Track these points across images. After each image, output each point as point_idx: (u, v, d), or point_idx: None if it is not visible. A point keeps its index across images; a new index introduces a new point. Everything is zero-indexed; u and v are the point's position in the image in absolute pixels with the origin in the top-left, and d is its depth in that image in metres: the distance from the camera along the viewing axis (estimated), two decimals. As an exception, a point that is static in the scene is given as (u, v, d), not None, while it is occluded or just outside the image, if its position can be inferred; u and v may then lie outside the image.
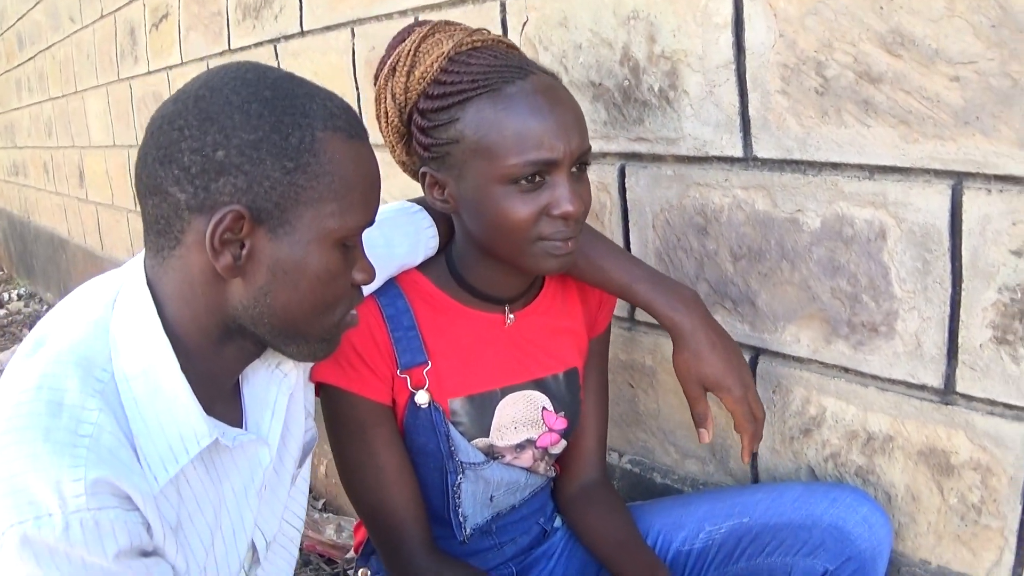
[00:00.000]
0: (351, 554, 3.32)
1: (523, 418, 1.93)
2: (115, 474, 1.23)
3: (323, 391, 1.82)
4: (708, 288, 2.13)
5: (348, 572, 3.35)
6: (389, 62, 1.73)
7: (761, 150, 1.95)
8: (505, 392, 1.90)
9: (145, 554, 1.30)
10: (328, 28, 3.23)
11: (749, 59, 1.91)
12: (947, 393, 1.77)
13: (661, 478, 2.38)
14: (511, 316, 1.90)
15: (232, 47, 3.96)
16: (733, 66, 1.94)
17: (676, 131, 2.10)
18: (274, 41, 3.61)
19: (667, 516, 2.08)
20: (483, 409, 1.88)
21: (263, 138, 1.31)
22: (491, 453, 1.91)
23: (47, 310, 8.16)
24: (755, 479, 2.18)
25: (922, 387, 1.80)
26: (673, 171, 2.14)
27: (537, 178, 1.64)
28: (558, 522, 2.15)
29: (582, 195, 1.69)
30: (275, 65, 3.49)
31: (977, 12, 1.54)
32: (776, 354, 2.05)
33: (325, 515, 3.61)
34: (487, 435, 1.89)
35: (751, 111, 1.94)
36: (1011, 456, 1.70)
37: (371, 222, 1.46)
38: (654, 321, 1.93)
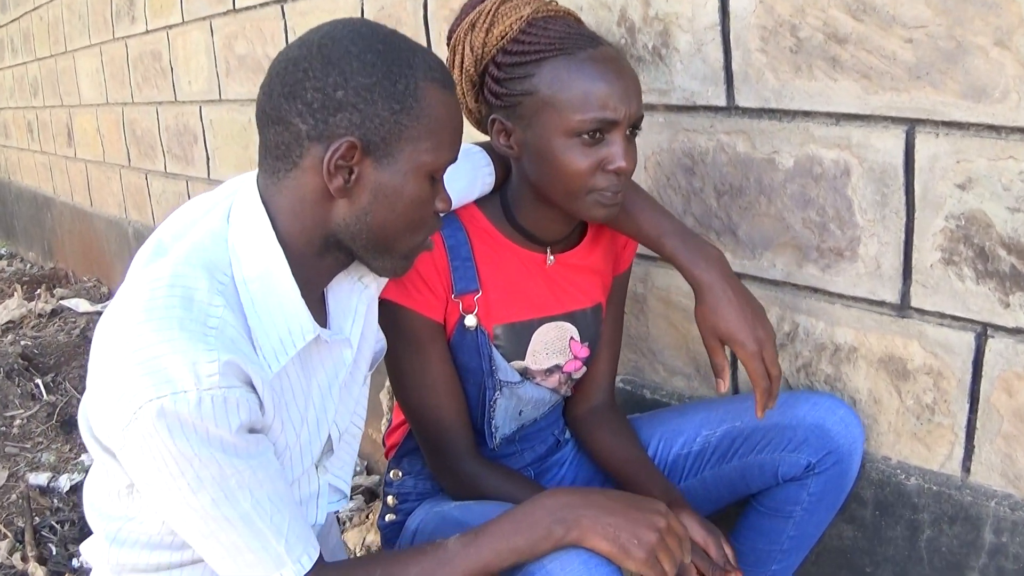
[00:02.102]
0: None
1: (554, 346, 2.03)
2: (241, 358, 1.36)
3: (384, 307, 1.87)
4: (694, 221, 2.25)
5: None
6: (469, 19, 1.82)
7: (742, 100, 2.07)
8: (541, 322, 2.00)
9: (253, 431, 1.43)
10: None
11: (733, 21, 2.03)
12: (903, 308, 1.90)
13: (651, 394, 2.50)
14: (551, 258, 1.99)
15: (237, 7, 3.97)
16: (719, 27, 2.06)
17: (667, 84, 2.21)
18: (281, 1, 3.64)
19: (667, 424, 2.18)
20: (521, 336, 1.99)
21: (376, 83, 1.43)
22: (525, 374, 2.02)
23: (31, 268, 8.11)
24: (735, 390, 2.29)
25: (881, 303, 1.94)
26: (664, 119, 2.25)
27: (597, 135, 1.73)
28: (568, 434, 2.26)
29: (633, 155, 1.78)
30: (282, 25, 3.51)
31: None
32: (755, 278, 2.16)
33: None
34: (523, 359, 2.00)
35: (734, 66, 2.06)
36: (959, 361, 1.83)
37: (455, 159, 1.57)
38: (645, 252, 2.05)
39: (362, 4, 3.19)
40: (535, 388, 2.06)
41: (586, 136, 1.74)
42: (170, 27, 4.64)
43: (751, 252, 2.17)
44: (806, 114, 1.96)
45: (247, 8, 3.91)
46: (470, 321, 1.94)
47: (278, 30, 3.69)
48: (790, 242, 2.07)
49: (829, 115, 1.92)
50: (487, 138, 1.90)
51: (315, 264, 1.57)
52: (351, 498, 3.41)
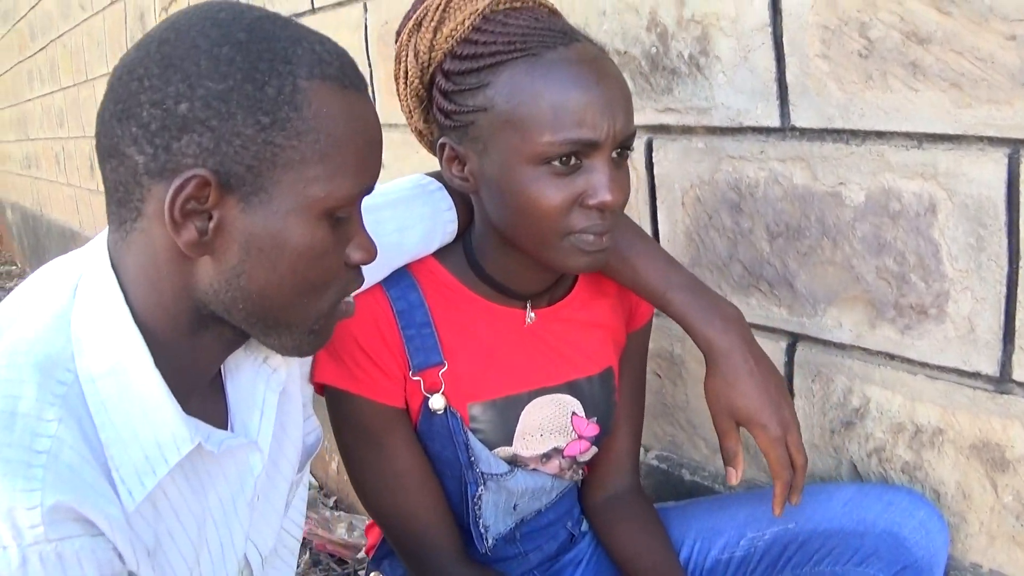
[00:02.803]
0: (362, 554, 3.28)
1: (551, 424, 1.82)
2: (77, 497, 1.12)
3: (327, 392, 1.71)
4: (742, 269, 2.08)
5: (359, 572, 3.31)
6: (415, 16, 1.58)
7: (800, 119, 1.88)
8: (532, 396, 1.79)
9: None
10: (340, 3, 3.21)
11: (786, 21, 1.85)
12: (1002, 381, 1.70)
13: (690, 475, 2.33)
14: (531, 315, 1.78)
15: None
16: (769, 29, 1.88)
17: (707, 100, 2.05)
18: None
19: (704, 521, 1.99)
20: (506, 415, 1.77)
21: (233, 87, 1.14)
22: (515, 462, 1.81)
23: None
24: None
25: (975, 375, 1.73)
26: (704, 143, 2.09)
27: (573, 160, 1.50)
28: (586, 526, 2.07)
29: (622, 184, 1.56)
30: None
31: None
32: (815, 340, 1.99)
33: (336, 513, 3.58)
34: (510, 443, 1.78)
35: (789, 77, 1.88)
36: None
37: (368, 189, 1.30)
38: None
39: (365, 20, 3.09)
40: (530, 476, 1.84)
41: (558, 163, 1.49)
42: None
43: (811, 308, 1.97)
44: (880, 135, 1.76)
45: None
46: (436, 403, 1.71)
47: None
48: (860, 296, 1.87)
49: (909, 136, 1.72)
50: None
51: (189, 346, 1.29)
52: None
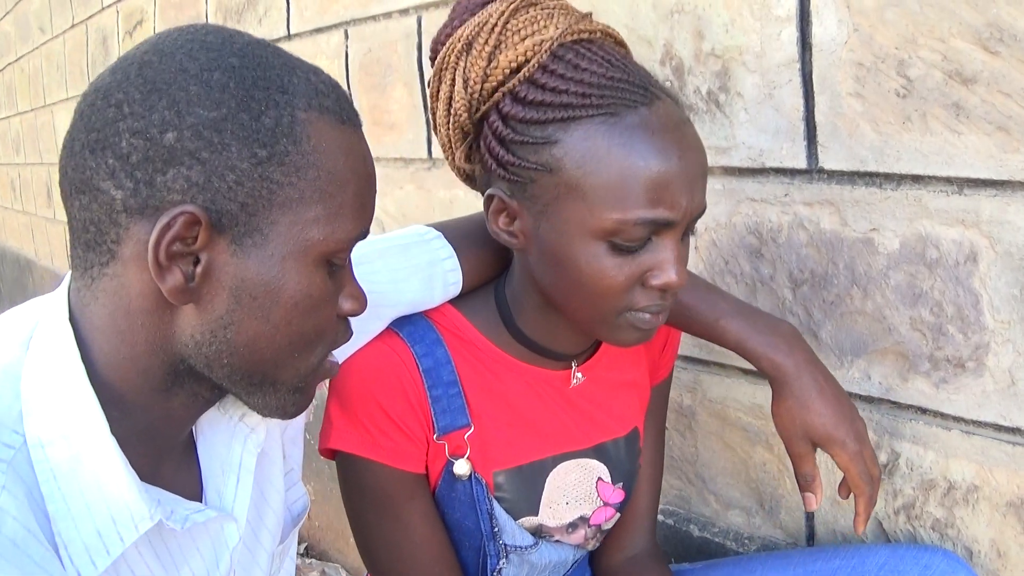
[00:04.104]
0: None
1: (575, 492, 1.71)
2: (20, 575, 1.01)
3: (340, 459, 1.59)
4: None
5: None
6: (465, 34, 1.43)
7: (829, 161, 1.82)
8: (557, 461, 1.68)
9: None
10: (318, 30, 3.17)
11: (816, 57, 1.79)
12: None
13: (699, 531, 2.24)
14: (579, 375, 1.67)
15: None
16: (797, 65, 1.83)
17: (727, 139, 1.98)
18: None
19: None
20: (532, 483, 1.67)
21: (227, 116, 1.05)
22: (539, 533, 1.71)
23: None
24: (811, 535, 2.05)
25: (1014, 430, 1.67)
26: (722, 185, 2.02)
27: (642, 238, 1.40)
28: None
29: (686, 260, 1.47)
30: None
31: None
32: None
33: (308, 561, 3.52)
34: (536, 513, 1.68)
35: (818, 116, 1.82)
36: None
37: (365, 233, 1.21)
38: (694, 355, 1.82)
39: (346, 48, 3.06)
40: (554, 550, 1.73)
41: (626, 241, 1.38)
42: None
43: (838, 359, 1.89)
44: (917, 179, 1.71)
45: None
46: (461, 468, 1.59)
47: None
48: (892, 348, 1.81)
49: (949, 180, 1.66)
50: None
51: (160, 406, 1.17)
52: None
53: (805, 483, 1.63)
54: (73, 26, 5.54)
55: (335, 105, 1.14)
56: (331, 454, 1.58)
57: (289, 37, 3.27)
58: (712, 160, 1.96)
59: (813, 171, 1.85)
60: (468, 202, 2.55)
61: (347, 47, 3.03)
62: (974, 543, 1.76)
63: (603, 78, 1.37)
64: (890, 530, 1.89)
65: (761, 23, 1.85)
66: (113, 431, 1.09)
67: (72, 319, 1.12)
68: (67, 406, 1.08)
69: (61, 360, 1.10)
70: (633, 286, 1.40)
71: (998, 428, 1.69)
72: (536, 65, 1.38)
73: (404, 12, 2.69)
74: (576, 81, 1.37)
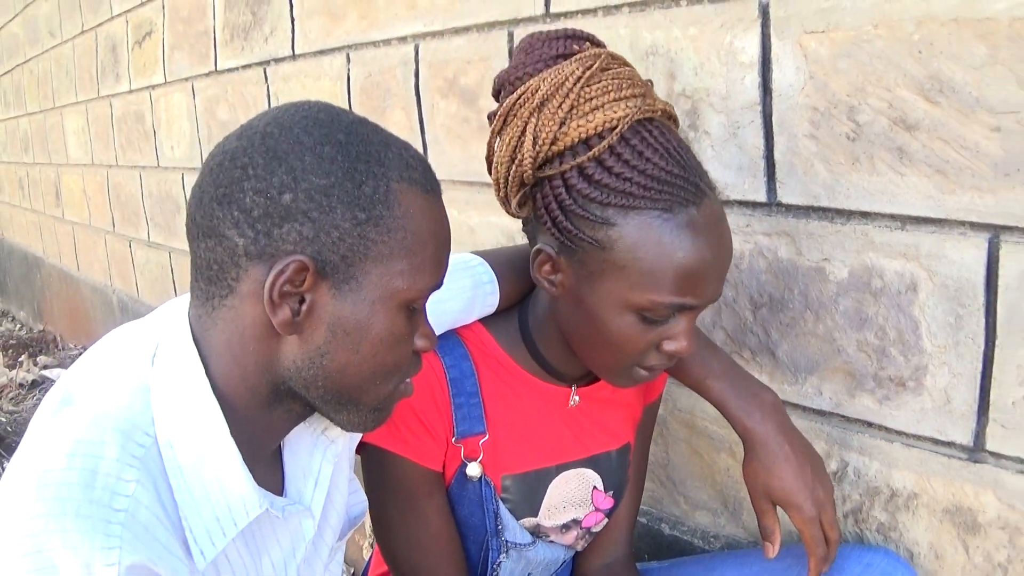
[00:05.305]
0: None
1: (573, 497, 1.82)
2: (151, 557, 1.14)
3: (368, 453, 1.70)
4: (725, 336, 2.08)
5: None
6: (540, 90, 1.49)
7: (786, 196, 1.89)
8: (559, 470, 1.79)
9: None
10: (322, 52, 3.18)
11: (776, 101, 1.86)
12: (976, 451, 1.72)
13: (670, 529, 2.33)
14: (576, 397, 1.78)
15: (219, 68, 3.92)
16: (759, 108, 1.89)
17: None
18: (263, 64, 3.56)
19: None
20: (535, 487, 1.78)
21: (335, 184, 1.20)
22: (536, 532, 1.81)
23: (19, 330, 8.18)
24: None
25: (950, 444, 1.76)
26: None
27: (668, 316, 1.51)
28: None
29: (693, 331, 1.58)
30: (265, 90, 3.52)
31: (1021, 60, 1.50)
32: (796, 406, 1.98)
33: None
34: (535, 515, 1.79)
35: (777, 155, 1.88)
36: None
37: (439, 285, 1.35)
38: None
39: (348, 71, 3.08)
40: (548, 548, 1.85)
41: (653, 316, 1.50)
42: (153, 87, 4.65)
43: (793, 376, 1.97)
44: (865, 215, 1.78)
45: (229, 70, 3.86)
46: (473, 470, 1.71)
47: (261, 95, 3.66)
48: (841, 367, 1.88)
49: (894, 217, 1.74)
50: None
51: (263, 418, 1.33)
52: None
53: (765, 534, 1.70)
54: (83, 32, 5.50)
55: (422, 177, 1.28)
56: (360, 447, 1.68)
57: (294, 57, 3.30)
58: (683, 191, 2.04)
59: (772, 205, 1.91)
60: (459, 220, 2.60)
61: (349, 70, 3.06)
62: (915, 545, 1.84)
63: (663, 171, 1.44)
64: (841, 532, 1.89)
65: (727, 68, 1.90)
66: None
67: (195, 341, 1.27)
68: (193, 413, 1.24)
69: (187, 375, 1.25)
70: (649, 349, 1.53)
71: (935, 442, 1.76)
72: (607, 147, 1.45)
73: (402, 40, 2.75)
74: (640, 171, 1.44)
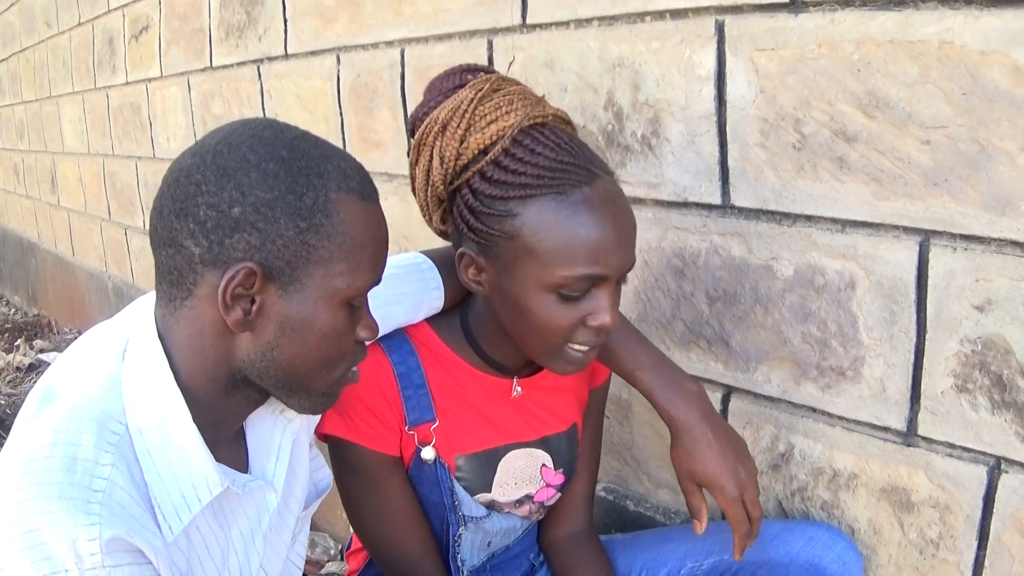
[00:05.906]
0: (326, 570, 3.32)
1: (523, 474, 1.91)
2: (128, 531, 1.23)
3: (331, 442, 1.79)
4: (684, 327, 2.14)
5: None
6: (440, 116, 1.62)
7: (739, 199, 1.97)
8: (508, 449, 1.87)
9: None
10: (313, 53, 3.22)
11: (730, 112, 1.93)
12: (909, 435, 1.80)
13: (634, 506, 2.39)
14: (518, 388, 1.87)
15: (214, 64, 3.93)
16: (714, 118, 1.96)
17: (657, 176, 2.10)
18: (257, 62, 3.57)
19: (649, 552, 2.07)
20: (487, 465, 1.86)
21: (278, 197, 1.30)
22: (492, 506, 1.89)
23: (14, 314, 8.09)
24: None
25: (885, 429, 1.84)
26: (653, 214, 2.15)
27: (583, 289, 1.58)
28: (543, 557, 2.15)
29: (618, 306, 1.64)
30: (258, 87, 3.51)
31: (950, 80, 1.57)
32: (747, 392, 2.07)
33: None
34: (489, 491, 1.87)
35: (730, 161, 1.96)
36: (968, 496, 1.73)
37: (378, 282, 1.45)
38: None
39: (338, 72, 3.12)
40: (504, 518, 1.93)
41: (570, 292, 1.58)
42: (149, 80, 4.62)
43: (744, 364, 2.06)
44: (809, 218, 1.87)
45: (224, 67, 3.85)
46: (427, 454, 1.80)
47: (254, 92, 3.65)
48: (788, 357, 1.97)
49: (834, 221, 1.83)
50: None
51: (222, 403, 1.44)
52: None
53: (693, 513, 1.77)
54: (80, 24, 5.48)
55: (359, 186, 1.39)
56: (324, 438, 1.78)
57: (287, 56, 3.38)
58: (645, 193, 2.11)
59: (726, 207, 1.99)
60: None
61: (339, 71, 3.09)
62: (855, 522, 1.92)
63: (554, 161, 1.56)
64: (788, 509, 2.03)
65: (686, 80, 1.98)
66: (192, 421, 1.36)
67: (159, 337, 1.38)
68: (159, 401, 1.34)
69: (154, 368, 1.36)
70: (576, 326, 1.60)
71: (873, 427, 1.85)
72: (500, 150, 1.57)
73: (389, 44, 2.79)
74: (532, 164, 1.56)
